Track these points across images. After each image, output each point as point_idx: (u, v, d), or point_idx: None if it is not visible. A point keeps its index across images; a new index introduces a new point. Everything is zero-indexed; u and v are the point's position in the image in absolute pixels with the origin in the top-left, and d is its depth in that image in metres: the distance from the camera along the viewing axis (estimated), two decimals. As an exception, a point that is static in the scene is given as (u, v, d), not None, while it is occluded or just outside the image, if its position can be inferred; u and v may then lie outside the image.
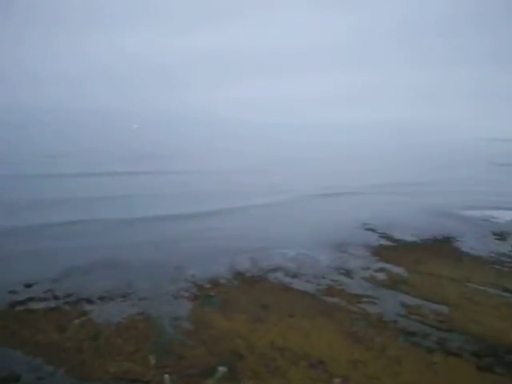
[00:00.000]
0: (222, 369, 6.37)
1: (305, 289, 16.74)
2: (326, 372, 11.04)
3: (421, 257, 21.48)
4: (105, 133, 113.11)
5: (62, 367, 10.82)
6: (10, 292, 14.98)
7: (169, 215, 27.72)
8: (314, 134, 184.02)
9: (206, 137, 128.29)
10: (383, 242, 24.09)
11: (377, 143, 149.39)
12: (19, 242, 20.62)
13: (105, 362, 11.11)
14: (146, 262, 18.76)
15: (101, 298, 14.92)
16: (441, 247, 23.71)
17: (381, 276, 18.61)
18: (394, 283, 17.75)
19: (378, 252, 22.04)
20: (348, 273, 18.81)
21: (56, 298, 14.78)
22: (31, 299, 14.54)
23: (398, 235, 25.43)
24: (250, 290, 16.31)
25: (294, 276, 18.09)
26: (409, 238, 25.13)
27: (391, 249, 22.88)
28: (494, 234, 27.22)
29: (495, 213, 34.07)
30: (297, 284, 17.22)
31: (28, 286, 15.56)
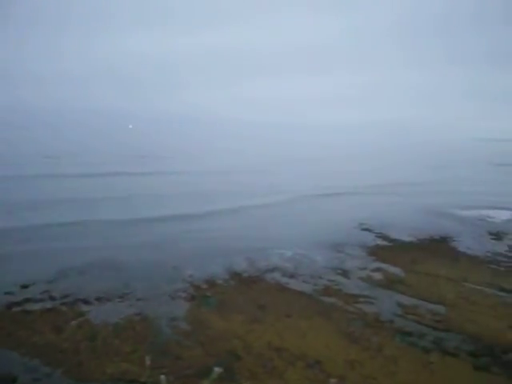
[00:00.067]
0: (217, 369, 6.38)
1: (302, 289, 16.76)
2: (323, 372, 11.06)
3: (417, 257, 21.53)
4: (105, 133, 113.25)
5: (59, 368, 10.81)
6: (7, 293, 14.96)
7: (167, 216, 27.72)
8: (313, 134, 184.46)
9: (205, 136, 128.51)
10: (380, 241, 24.14)
11: (375, 143, 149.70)
12: (16, 243, 20.59)
13: (102, 362, 11.11)
14: (144, 263, 18.75)
15: (98, 299, 14.91)
16: (437, 247, 23.77)
17: (377, 276, 18.65)
18: (390, 283, 17.79)
19: (375, 252, 22.09)
20: (345, 273, 18.84)
21: (53, 298, 14.76)
22: (28, 300, 14.51)
23: (394, 235, 25.48)
24: (247, 291, 16.33)
25: (291, 276, 18.11)
26: (405, 237, 25.18)
27: (388, 249, 22.92)
28: (491, 233, 27.31)
29: (491, 212, 34.19)
30: (294, 284, 17.24)
31: (24, 286, 15.54)
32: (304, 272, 18.67)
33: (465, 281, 18.36)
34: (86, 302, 14.65)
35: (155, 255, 19.94)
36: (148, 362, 8.23)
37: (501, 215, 33.47)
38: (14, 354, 11.38)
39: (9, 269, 17.32)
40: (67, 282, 16.20)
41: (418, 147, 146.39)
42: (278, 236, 24.45)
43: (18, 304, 14.18)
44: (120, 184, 39.49)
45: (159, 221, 26.45)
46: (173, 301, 15.12)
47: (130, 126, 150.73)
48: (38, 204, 28.44)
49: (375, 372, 11.23)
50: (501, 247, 24.20)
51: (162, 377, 6.58)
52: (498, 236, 26.73)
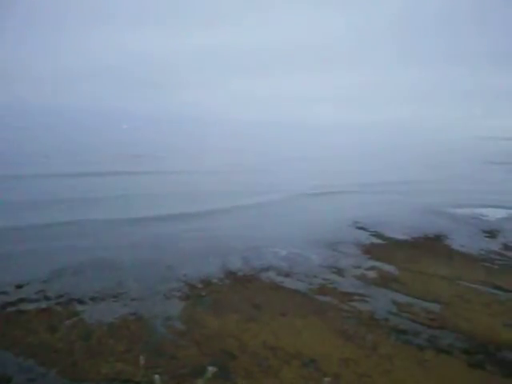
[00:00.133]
0: (211, 369, 6.37)
1: (297, 288, 16.79)
2: (318, 370, 11.09)
3: (412, 255, 21.61)
4: (103, 132, 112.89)
5: (53, 368, 10.78)
6: (1, 293, 14.89)
7: (163, 215, 27.67)
8: (312, 134, 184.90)
9: (204, 136, 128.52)
10: (374, 240, 24.21)
11: (374, 143, 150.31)
12: (11, 243, 20.49)
13: (97, 362, 11.09)
14: (139, 262, 18.72)
15: (92, 299, 14.87)
16: (432, 245, 23.86)
17: (372, 274, 18.70)
18: (385, 281, 17.85)
19: (370, 250, 22.15)
20: (339, 271, 18.88)
21: (47, 298, 14.72)
22: (22, 300, 14.46)
23: (389, 233, 25.57)
24: (242, 290, 16.33)
25: (286, 275, 18.13)
26: (400, 236, 25.27)
27: (382, 247, 22.99)
28: (484, 231, 27.45)
29: (486, 211, 34.38)
30: (289, 283, 17.27)
31: (19, 286, 15.48)
32: (299, 271, 18.70)
33: (459, 279, 18.44)
34: (80, 301, 14.61)
35: (150, 255, 19.90)
36: (142, 361, 8.21)
37: (495, 213, 33.66)
38: (9, 354, 11.33)
39: (4, 268, 17.24)
40: (62, 282, 16.15)
41: (416, 146, 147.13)
42: (274, 235, 24.47)
43: (12, 304, 14.12)
44: (116, 183, 39.32)
45: (155, 220, 26.40)
46: (168, 300, 15.10)
47: (125, 126, 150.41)
48: (32, 204, 28.28)
49: (370, 370, 11.27)
50: (494, 245, 24.33)
51: (156, 376, 6.56)
52: (491, 234, 26.87)
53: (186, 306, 14.65)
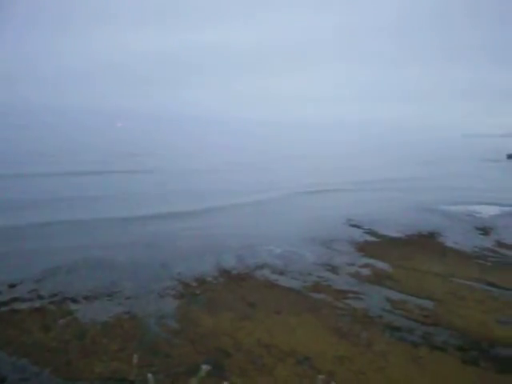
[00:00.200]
0: (205, 367, 6.33)
1: (291, 285, 16.81)
2: (312, 368, 11.09)
3: (405, 252, 21.69)
4: (101, 131, 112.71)
5: (47, 368, 10.72)
6: (-6, 293, 14.84)
7: (158, 214, 27.62)
8: (311, 132, 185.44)
9: (202, 134, 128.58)
10: (368, 237, 24.28)
11: (371, 141, 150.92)
12: (4, 241, 20.38)
13: (91, 361, 11.05)
14: (133, 261, 18.68)
15: (86, 298, 14.82)
16: (425, 242, 23.95)
17: (366, 272, 18.75)
18: (379, 279, 17.89)
19: (363, 248, 22.21)
20: (334, 269, 18.91)
21: (41, 297, 14.65)
22: (15, 299, 14.38)
23: (382, 231, 25.65)
24: (237, 288, 16.32)
25: (281, 273, 18.15)
26: (394, 233, 25.35)
27: (376, 244, 23.06)
28: (478, 228, 27.58)
29: (479, 208, 34.54)
30: (283, 281, 17.28)
31: (12, 286, 15.40)
32: (293, 269, 18.72)
33: (452, 276, 18.52)
34: (74, 300, 14.56)
35: (144, 253, 19.87)
36: (135, 360, 8.17)
37: (488, 210, 33.83)
38: (2, 353, 11.26)
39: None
40: (55, 281, 16.08)
41: (412, 144, 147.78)
42: (269, 233, 24.52)
43: (5, 303, 14.03)
44: (112, 182, 39.31)
45: (149, 219, 26.36)
46: (162, 299, 15.07)
47: (119, 125, 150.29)
48: (25, 203, 28.15)
49: (364, 367, 11.29)
50: (488, 242, 24.45)
51: (150, 375, 6.52)
52: (484, 231, 27.00)
53: (181, 305, 14.63)
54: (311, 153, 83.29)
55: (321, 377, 6.91)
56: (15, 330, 12.40)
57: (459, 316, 14.61)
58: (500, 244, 24.14)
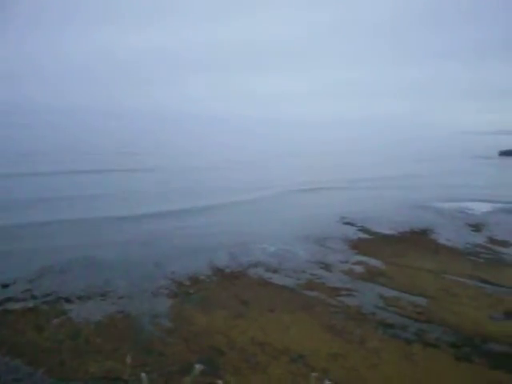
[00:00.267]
0: (198, 366, 6.33)
1: (284, 283, 16.83)
2: (306, 366, 11.12)
3: (398, 249, 21.77)
4: (100, 130, 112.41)
5: (41, 368, 10.70)
6: (-13, 293, 14.77)
7: (152, 213, 27.62)
8: (308, 130, 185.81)
9: (202, 132, 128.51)
10: (361, 235, 24.35)
11: (366, 139, 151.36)
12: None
13: (84, 361, 11.03)
14: (126, 260, 18.65)
15: (80, 297, 14.78)
16: (418, 239, 24.06)
17: (359, 269, 18.81)
18: (371, 276, 17.96)
19: (357, 245, 22.28)
20: (327, 266, 18.96)
21: (34, 297, 14.60)
22: (9, 299, 14.33)
23: (375, 228, 25.73)
24: (230, 286, 16.34)
25: (274, 271, 18.17)
26: (387, 230, 25.44)
27: (369, 242, 23.14)
28: (470, 225, 27.73)
29: (471, 205, 34.70)
30: (277, 279, 17.31)
31: (5, 286, 15.34)
32: (287, 266, 18.75)
33: (445, 273, 18.61)
34: (68, 300, 14.52)
35: (138, 252, 19.84)
36: (129, 360, 8.17)
37: (480, 207, 34.00)
38: (-5, 354, 11.24)
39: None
40: (49, 281, 16.04)
41: (407, 142, 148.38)
42: (263, 231, 24.55)
43: (-2, 304, 14.00)
44: (112, 181, 39.31)
45: (144, 218, 26.34)
46: (155, 298, 15.06)
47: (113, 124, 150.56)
48: (17, 203, 28.05)
49: (358, 364, 11.33)
50: (480, 239, 24.60)
51: (143, 375, 6.51)
52: (476, 228, 27.16)
53: (174, 304, 14.63)
54: (308, 151, 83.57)
55: (314, 374, 6.94)
56: (8, 331, 12.37)
57: (452, 313, 14.69)
58: (492, 240, 24.28)
